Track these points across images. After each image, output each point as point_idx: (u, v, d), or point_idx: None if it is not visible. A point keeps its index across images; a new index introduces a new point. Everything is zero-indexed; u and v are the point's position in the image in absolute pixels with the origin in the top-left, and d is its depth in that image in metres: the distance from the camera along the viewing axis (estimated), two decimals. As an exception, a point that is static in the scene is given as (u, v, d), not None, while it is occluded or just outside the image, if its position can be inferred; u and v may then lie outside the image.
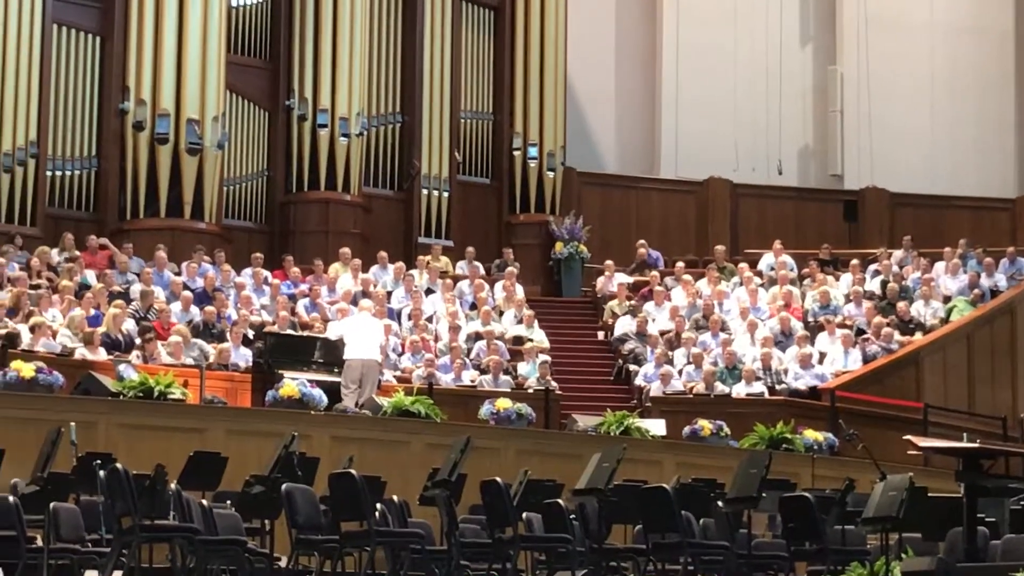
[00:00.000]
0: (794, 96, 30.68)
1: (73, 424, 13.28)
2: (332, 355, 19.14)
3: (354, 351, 19.08)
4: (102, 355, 18.71)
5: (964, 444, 13.60)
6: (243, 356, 19.81)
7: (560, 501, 14.18)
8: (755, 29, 30.41)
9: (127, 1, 24.74)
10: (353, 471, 13.16)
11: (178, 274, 22.34)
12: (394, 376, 20.50)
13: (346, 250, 24.16)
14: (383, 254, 24.48)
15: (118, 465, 12.03)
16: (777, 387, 21.67)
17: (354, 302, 21.95)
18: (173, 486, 12.62)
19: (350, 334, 19.37)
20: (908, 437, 13.11)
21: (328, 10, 26.04)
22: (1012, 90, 31.15)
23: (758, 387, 21.43)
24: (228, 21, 25.37)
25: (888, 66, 30.71)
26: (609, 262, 26.02)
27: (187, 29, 24.66)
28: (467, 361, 21.62)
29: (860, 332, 23.21)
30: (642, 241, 27.07)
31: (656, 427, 19.32)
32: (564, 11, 28.47)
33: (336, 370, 18.99)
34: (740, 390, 21.37)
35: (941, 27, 31.16)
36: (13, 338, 18.18)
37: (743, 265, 25.57)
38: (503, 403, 18.94)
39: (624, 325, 23.68)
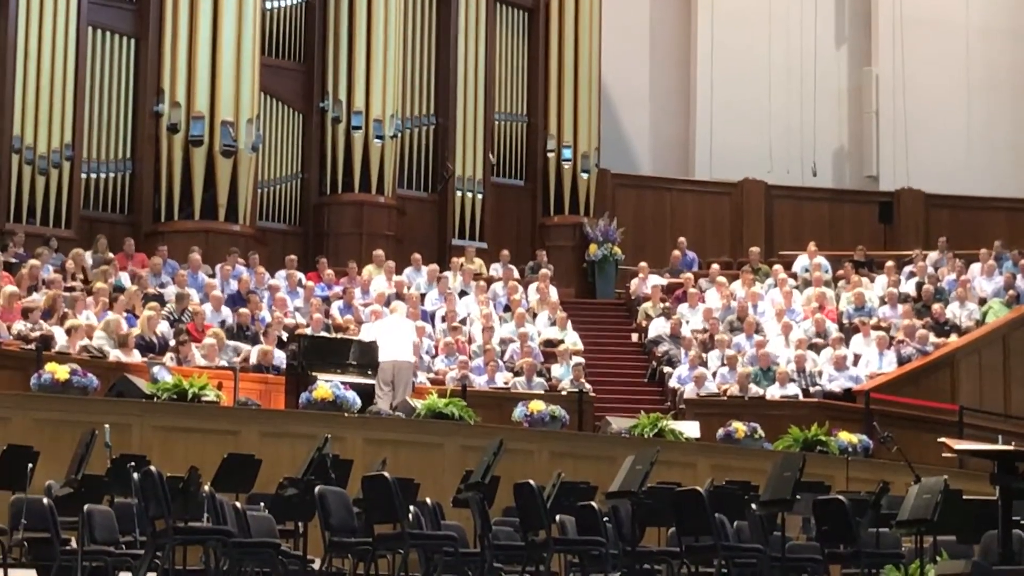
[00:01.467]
0: (829, 97, 30.61)
1: (107, 426, 13.30)
2: (366, 357, 19.14)
3: (387, 353, 19.08)
4: (136, 357, 18.76)
5: (999, 446, 13.54)
6: (277, 358, 19.85)
7: (593, 504, 14.16)
8: (790, 30, 30.35)
9: (162, 3, 24.81)
10: (386, 473, 13.15)
11: (212, 276, 22.37)
12: (428, 378, 20.51)
13: (380, 252, 24.18)
14: (417, 256, 24.50)
15: (152, 467, 12.05)
16: (811, 389, 21.61)
17: (387, 304, 21.97)
18: (207, 488, 12.64)
19: (383, 336, 19.37)
20: (943, 440, 13.05)
21: (362, 12, 26.08)
22: (1047, 91, 31.02)
23: (792, 389, 21.37)
24: (262, 23, 25.44)
25: (923, 67, 30.61)
26: (643, 264, 25.97)
27: (221, 31, 24.72)
28: (501, 363, 21.61)
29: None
30: (682, 239, 27.03)
31: (690, 429, 19.27)
32: (598, 13, 28.45)
33: (370, 372, 19.00)
34: (774, 392, 21.31)
35: (976, 28, 31.04)
36: (48, 340, 18.24)
37: (777, 267, 25.50)
38: (536, 405, 18.91)
39: (658, 327, 23.63)
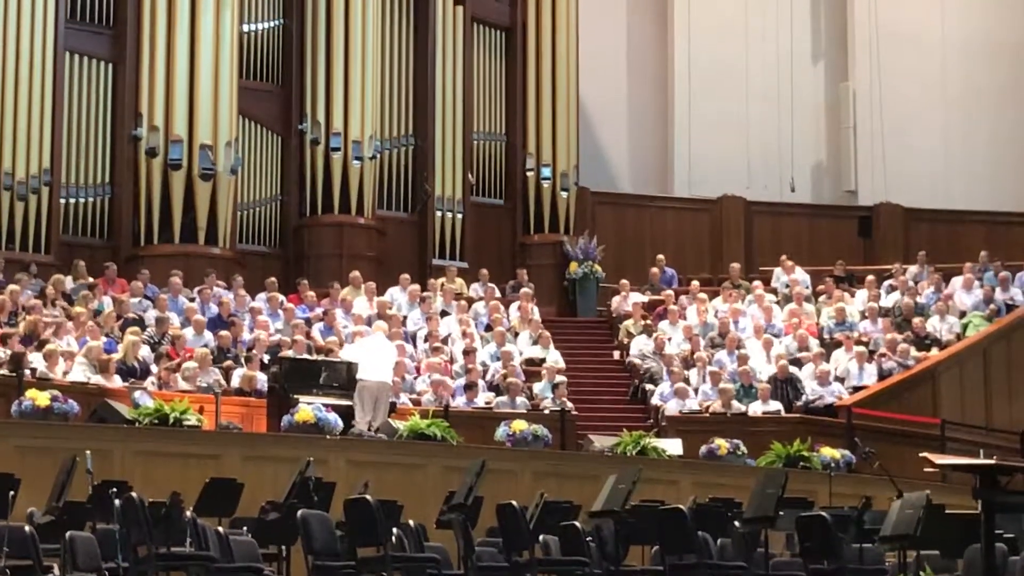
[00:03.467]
0: (807, 113, 30.68)
1: (88, 452, 13.26)
2: (346, 378, 19.08)
3: (367, 373, 19.03)
4: (117, 382, 18.72)
5: (980, 460, 13.52)
6: (260, 381, 19.81)
7: (577, 523, 14.14)
8: (767, 46, 30.44)
9: (139, 28, 24.82)
10: (368, 496, 13.14)
11: (192, 300, 22.34)
12: (409, 399, 20.49)
13: (356, 274, 24.15)
14: (405, 276, 24.45)
15: (133, 494, 12.03)
16: (794, 400, 21.64)
17: (369, 324, 21.98)
18: (189, 513, 12.62)
19: (363, 356, 19.33)
20: (924, 454, 13.03)
21: (339, 34, 26.10)
22: (1024, 104, 31.14)
23: (775, 405, 21.39)
24: (240, 46, 25.44)
25: (900, 81, 30.70)
26: (624, 281, 25.99)
27: (199, 55, 24.73)
28: (483, 383, 21.60)
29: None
30: (660, 257, 27.04)
31: (673, 447, 19.28)
32: (576, 31, 28.51)
33: (350, 393, 18.94)
34: (757, 408, 21.33)
35: (953, 42, 31.14)
36: (19, 359, 18.14)
37: (757, 283, 25.54)
38: (519, 425, 18.90)
39: (639, 344, 23.64)
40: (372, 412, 18.71)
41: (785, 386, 22.01)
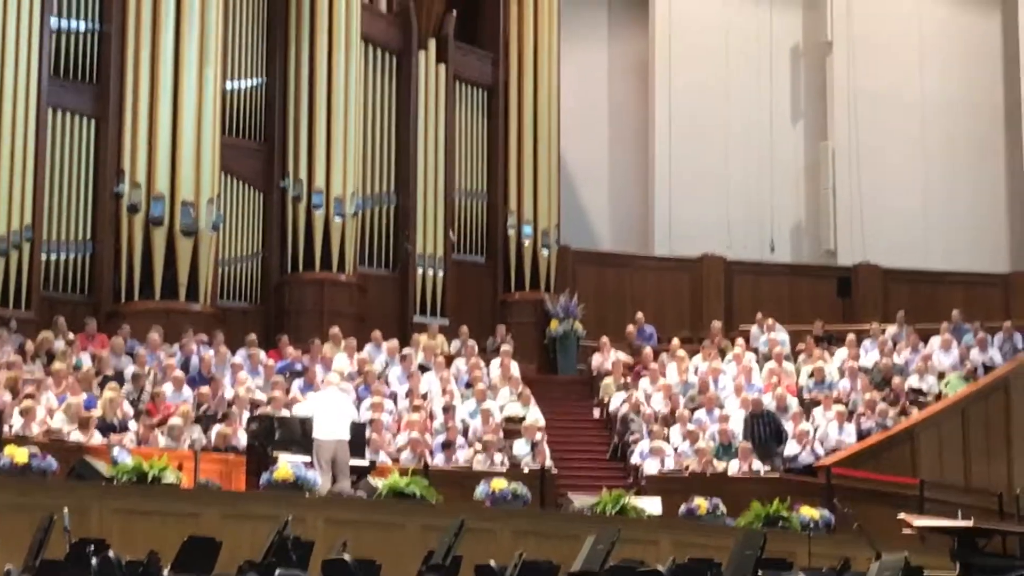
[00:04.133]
0: (786, 172, 30.88)
1: (66, 510, 13.23)
2: (301, 435, 18.91)
3: (321, 432, 18.91)
4: (97, 439, 18.68)
5: (958, 523, 13.58)
6: (235, 438, 19.78)
7: (556, 583, 14.12)
8: (747, 106, 30.66)
9: (122, 84, 24.88)
10: (347, 556, 13.11)
11: (173, 356, 22.30)
12: (389, 456, 20.46)
13: (336, 330, 24.13)
14: (376, 333, 24.43)
15: (111, 552, 11.99)
16: (771, 441, 21.70)
17: (351, 380, 22.00)
18: (166, 572, 12.58)
19: (317, 413, 19.20)
20: (902, 516, 13.10)
21: (322, 91, 26.21)
22: (1002, 165, 31.37)
23: (754, 465, 21.40)
24: (222, 103, 25.50)
25: (879, 141, 30.93)
26: (604, 339, 26.01)
27: (182, 111, 24.79)
28: (463, 440, 21.59)
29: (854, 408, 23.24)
30: (639, 315, 27.07)
31: (652, 506, 19.27)
32: (557, 90, 28.67)
33: (308, 450, 18.77)
34: (736, 467, 21.34)
35: (931, 102, 31.39)
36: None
37: (740, 341, 25.59)
38: (499, 483, 18.87)
39: (619, 402, 23.65)
40: (330, 472, 18.60)
41: (759, 423, 22.08)
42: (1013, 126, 31.07)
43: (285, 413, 20.15)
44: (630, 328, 26.72)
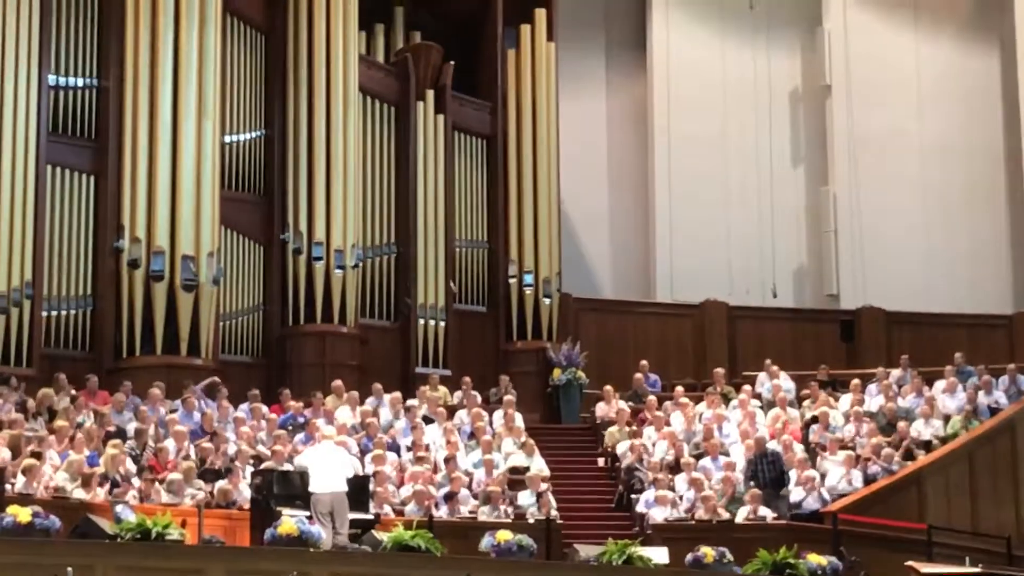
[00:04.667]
0: (787, 217, 30.90)
1: (70, 570, 13.15)
2: (300, 489, 18.82)
3: (319, 484, 18.81)
4: (100, 496, 18.59)
5: (966, 569, 13.50)
6: (237, 494, 19.68)
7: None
8: (746, 152, 30.72)
9: (120, 140, 24.89)
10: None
11: (174, 411, 22.22)
12: (393, 509, 20.36)
13: (339, 383, 24.09)
14: (377, 386, 24.36)
15: (115, 612, 11.90)
16: (772, 482, 21.61)
17: (355, 433, 21.92)
18: (171, 631, 12.49)
19: (313, 466, 19.10)
20: (910, 563, 13.02)
21: (321, 143, 26.25)
22: (1004, 207, 31.38)
23: (761, 511, 21.30)
24: (221, 157, 25.52)
25: (880, 185, 30.97)
26: (608, 387, 25.93)
27: (181, 166, 24.78)
28: (467, 492, 21.49)
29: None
30: (644, 363, 26.98)
31: (658, 555, 19.10)
32: (556, 139, 28.73)
33: (302, 504, 18.66)
34: (742, 515, 21.24)
35: (931, 145, 31.45)
36: (1, 475, 18.03)
37: (747, 387, 25.50)
38: (504, 535, 18.68)
39: (624, 451, 23.57)
40: (330, 525, 18.49)
41: (763, 463, 22.01)
42: (1014, 167, 31.09)
43: (289, 467, 20.06)
44: (637, 376, 26.60)
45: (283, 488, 18.86)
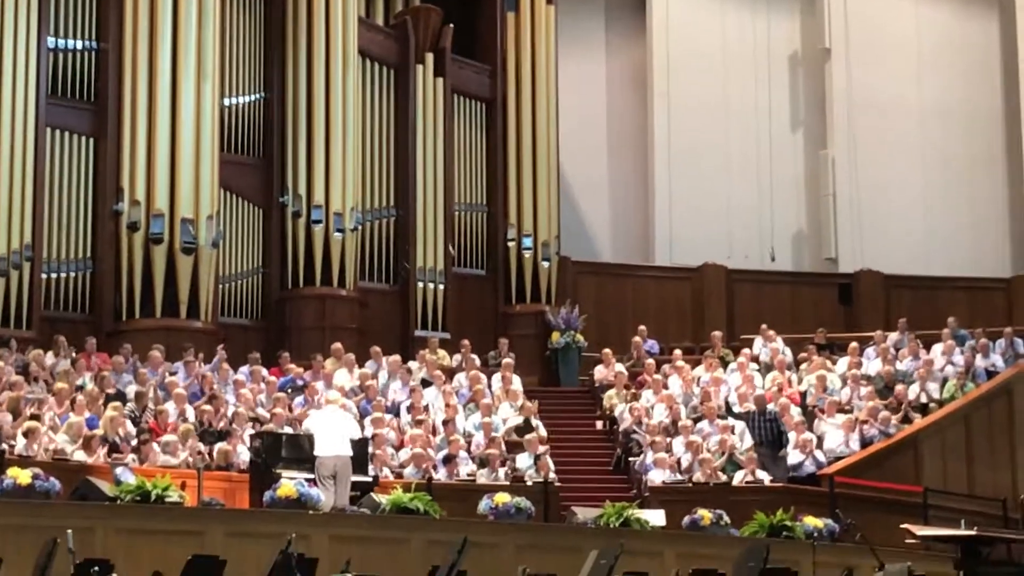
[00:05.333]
0: (786, 181, 30.91)
1: (70, 532, 13.18)
2: (301, 452, 18.90)
3: (324, 447, 18.87)
4: (100, 458, 18.65)
5: (961, 531, 13.55)
6: (237, 455, 19.77)
7: (560, 598, 14.09)
8: (745, 116, 30.70)
9: (120, 103, 24.88)
10: (351, 574, 13.08)
11: (174, 374, 22.28)
12: (392, 472, 20.44)
13: (338, 346, 24.14)
14: (376, 349, 24.39)
15: (115, 573, 11.96)
16: (769, 438, 21.74)
17: (354, 395, 21.98)
18: (170, 592, 12.56)
19: (317, 431, 19.17)
20: (905, 526, 13.08)
21: (320, 106, 26.24)
22: (1003, 170, 31.38)
23: (758, 474, 21.38)
24: (221, 119, 25.52)
25: (879, 149, 30.97)
26: (607, 351, 25.98)
27: (180, 129, 24.79)
28: (466, 454, 21.56)
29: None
30: (642, 328, 27.01)
31: (656, 518, 19.20)
32: (555, 103, 28.73)
33: (307, 467, 18.76)
34: (739, 477, 21.32)
35: (929, 109, 31.45)
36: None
37: (746, 351, 25.55)
38: (502, 497, 18.81)
39: (622, 414, 23.64)
40: (334, 486, 18.57)
41: (763, 421, 22.13)
42: (1012, 131, 31.09)
43: (288, 430, 20.14)
44: (636, 340, 26.63)
45: (285, 451, 18.94)
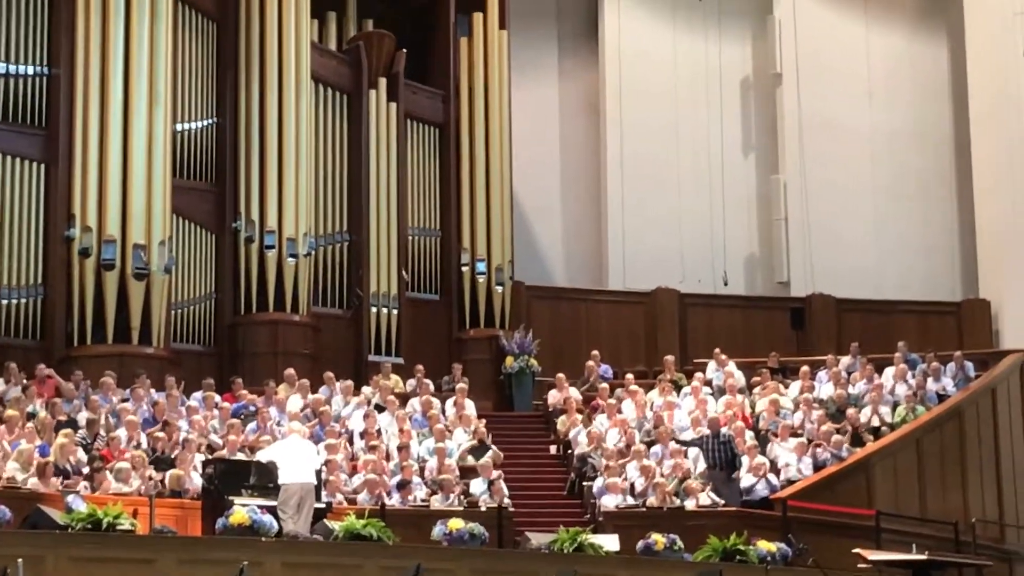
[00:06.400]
0: (738, 205, 31.03)
1: (20, 560, 13.13)
2: (265, 479, 18.84)
3: (289, 475, 18.83)
4: (52, 486, 18.53)
5: (913, 556, 13.62)
6: (189, 482, 19.67)
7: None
8: (698, 140, 30.83)
9: (71, 128, 24.79)
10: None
11: (126, 400, 22.17)
12: (345, 498, 20.37)
13: (291, 371, 24.09)
14: (330, 374, 24.34)
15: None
16: (724, 464, 21.79)
17: (308, 420, 21.90)
18: (122, 622, 12.50)
19: (283, 458, 19.11)
20: (857, 551, 13.13)
21: (273, 131, 26.21)
22: (953, 194, 31.60)
23: (712, 497, 21.41)
24: (173, 145, 25.46)
25: (830, 172, 31.14)
26: (560, 375, 26.00)
27: (132, 154, 24.71)
28: (419, 480, 21.52)
29: (810, 440, 23.27)
30: (595, 352, 27.04)
31: (610, 542, 19.20)
32: (508, 127, 28.76)
33: (271, 494, 18.68)
34: (692, 502, 21.33)
35: (881, 133, 31.67)
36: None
37: (698, 374, 25.59)
38: (456, 523, 18.77)
39: (576, 438, 23.64)
40: (297, 513, 18.51)
41: (716, 444, 22.18)
42: (962, 155, 31.29)
43: (240, 456, 20.06)
44: (590, 364, 26.65)
45: (239, 478, 18.83)
